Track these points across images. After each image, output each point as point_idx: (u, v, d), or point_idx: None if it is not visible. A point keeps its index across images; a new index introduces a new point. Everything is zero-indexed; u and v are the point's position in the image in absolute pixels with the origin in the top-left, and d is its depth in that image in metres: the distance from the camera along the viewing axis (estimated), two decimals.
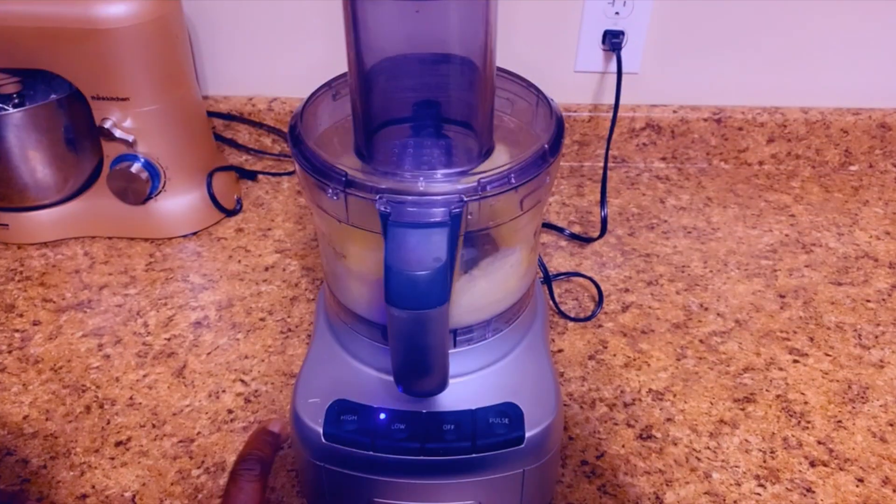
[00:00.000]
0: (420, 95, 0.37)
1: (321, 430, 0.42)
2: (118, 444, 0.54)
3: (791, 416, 0.56)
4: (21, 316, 0.65)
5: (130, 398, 0.57)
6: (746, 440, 0.54)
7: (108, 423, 0.55)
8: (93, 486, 0.51)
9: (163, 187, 0.71)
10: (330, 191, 0.37)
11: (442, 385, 0.39)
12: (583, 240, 0.74)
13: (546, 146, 0.39)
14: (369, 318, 0.43)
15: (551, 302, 0.65)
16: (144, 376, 0.59)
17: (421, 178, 0.35)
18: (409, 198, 0.35)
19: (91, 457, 0.53)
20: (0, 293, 0.67)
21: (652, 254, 0.72)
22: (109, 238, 0.74)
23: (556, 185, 0.83)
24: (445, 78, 0.37)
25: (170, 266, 0.70)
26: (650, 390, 0.58)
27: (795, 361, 0.61)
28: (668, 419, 0.55)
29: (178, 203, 0.72)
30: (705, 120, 0.83)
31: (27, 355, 0.61)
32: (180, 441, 0.54)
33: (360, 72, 0.36)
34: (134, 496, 0.50)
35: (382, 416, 0.42)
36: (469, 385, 0.44)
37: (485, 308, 0.43)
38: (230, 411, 0.56)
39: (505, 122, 0.45)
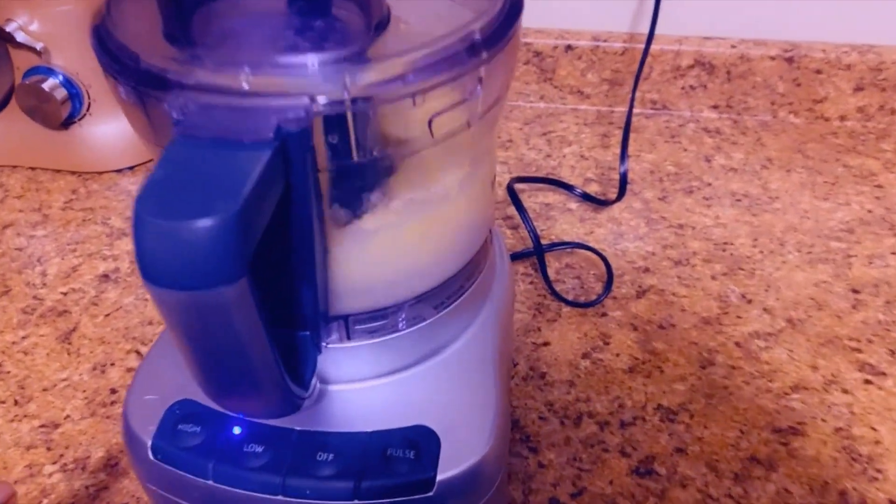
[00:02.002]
0: None
1: (149, 443, 0.30)
2: None
3: (855, 459, 0.40)
4: None
5: None
6: (786, 489, 0.39)
7: None
8: None
9: (87, 110, 0.59)
10: (122, 89, 0.23)
11: (281, 406, 0.26)
12: (598, 202, 0.58)
13: (477, 33, 0.24)
14: None
15: (543, 279, 0.50)
16: (23, 338, 0.48)
17: (246, 69, 0.21)
18: (220, 99, 0.21)
19: None
20: None
21: (686, 224, 0.56)
22: (32, 169, 0.62)
23: (577, 132, 0.67)
24: None
25: (91, 205, 0.59)
26: (659, 406, 0.43)
27: (867, 382, 0.44)
28: (679, 449, 0.41)
29: (108, 131, 0.60)
30: (773, 58, 0.65)
31: None
32: (42, 426, 0.43)
33: None
34: None
35: (237, 430, 0.29)
36: (369, 396, 0.30)
37: (391, 288, 0.29)
38: (113, 391, 0.44)
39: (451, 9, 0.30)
